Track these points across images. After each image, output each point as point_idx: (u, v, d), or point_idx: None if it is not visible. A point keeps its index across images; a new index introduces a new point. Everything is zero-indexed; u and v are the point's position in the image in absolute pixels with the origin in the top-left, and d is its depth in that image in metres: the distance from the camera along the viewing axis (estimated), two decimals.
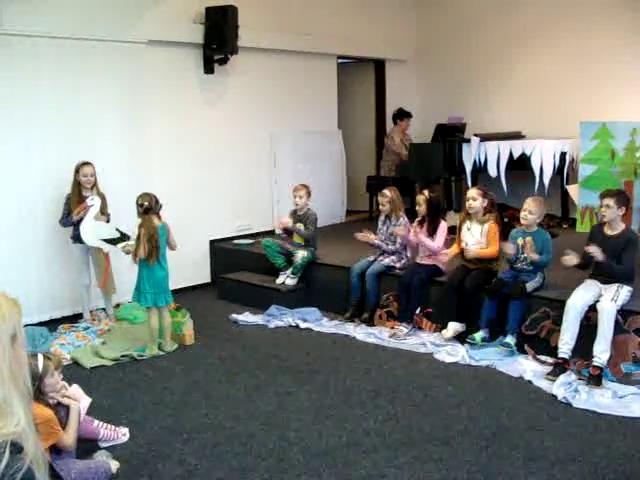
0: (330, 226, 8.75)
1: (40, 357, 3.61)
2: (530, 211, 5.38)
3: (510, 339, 5.27)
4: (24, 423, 1.71)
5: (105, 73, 6.60)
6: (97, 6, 6.47)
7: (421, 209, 6.05)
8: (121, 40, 6.67)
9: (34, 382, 3.49)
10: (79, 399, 3.84)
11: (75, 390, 3.98)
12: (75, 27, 6.30)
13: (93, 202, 5.94)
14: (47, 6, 6.12)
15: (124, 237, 5.93)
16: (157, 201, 5.55)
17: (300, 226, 6.81)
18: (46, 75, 6.20)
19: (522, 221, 5.45)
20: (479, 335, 5.40)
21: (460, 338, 5.60)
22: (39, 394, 3.52)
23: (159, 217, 5.58)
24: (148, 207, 5.46)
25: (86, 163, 6.09)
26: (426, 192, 6.10)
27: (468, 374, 5.05)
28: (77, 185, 6.09)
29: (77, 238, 6.10)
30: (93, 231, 5.97)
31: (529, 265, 5.37)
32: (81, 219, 5.96)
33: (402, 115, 9.31)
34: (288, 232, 6.94)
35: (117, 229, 6.00)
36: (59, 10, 6.20)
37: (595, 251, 4.89)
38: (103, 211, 6.12)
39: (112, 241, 5.96)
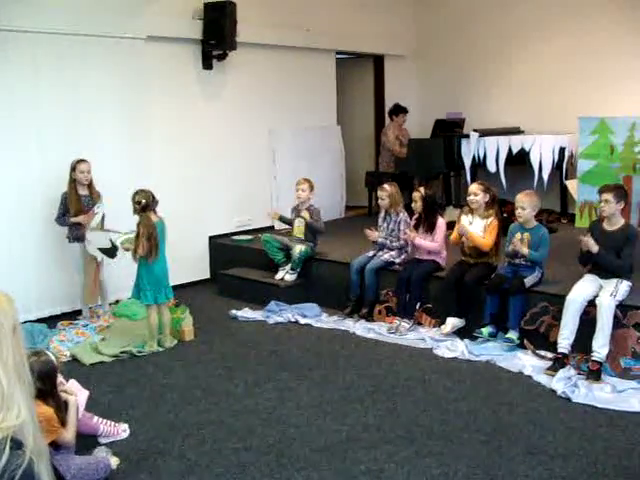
0: (329, 222, 8.73)
1: (50, 353, 3.62)
2: (522, 207, 5.37)
3: (512, 334, 5.27)
4: (25, 415, 1.72)
5: (103, 69, 6.59)
6: (95, 2, 6.45)
7: (417, 206, 6.05)
8: (119, 36, 6.66)
9: (51, 378, 3.51)
10: (76, 394, 3.84)
11: (72, 385, 3.98)
12: (73, 23, 6.29)
13: (99, 210, 6.03)
14: (45, 2, 6.11)
15: (114, 248, 5.95)
16: (153, 197, 5.53)
17: (306, 214, 6.79)
18: (43, 71, 6.18)
19: (518, 219, 5.44)
20: (486, 330, 5.40)
21: (460, 333, 5.61)
22: (53, 390, 3.53)
23: (155, 213, 5.57)
24: (146, 204, 5.44)
25: (82, 160, 6.09)
26: (422, 189, 6.11)
27: (468, 369, 5.05)
28: (73, 182, 6.10)
29: (74, 238, 6.13)
30: (94, 240, 6.03)
31: (527, 260, 5.37)
32: (79, 223, 6.05)
33: (398, 111, 9.27)
34: (289, 222, 6.97)
35: (110, 239, 6.00)
36: (57, 6, 6.18)
37: (589, 243, 4.90)
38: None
39: (105, 251, 5.99)
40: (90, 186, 6.16)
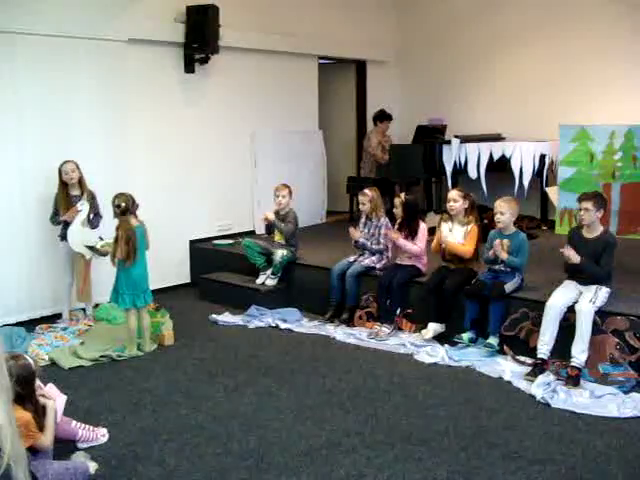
0: (311, 227, 8.74)
1: (29, 357, 3.58)
2: (501, 212, 5.40)
3: (493, 340, 5.29)
4: (2, 419, 1.70)
5: (84, 71, 6.55)
6: (77, 3, 6.41)
7: (398, 211, 6.07)
8: (101, 38, 6.61)
9: (29, 382, 3.47)
10: (55, 398, 3.80)
11: (50, 389, 3.94)
12: (54, 24, 6.24)
13: (82, 208, 6.01)
14: (24, 2, 6.04)
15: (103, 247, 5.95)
16: (134, 201, 5.50)
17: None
18: (24, 73, 6.13)
19: (497, 225, 5.47)
20: (467, 335, 5.42)
21: (440, 339, 5.62)
22: (31, 394, 3.49)
23: (136, 217, 5.54)
24: (125, 208, 5.42)
25: (66, 161, 6.09)
26: (402, 195, 6.13)
27: (448, 375, 5.06)
28: (62, 184, 6.10)
29: (65, 237, 6.11)
30: (79, 237, 6.01)
31: (507, 266, 5.39)
32: (67, 221, 6.03)
33: (383, 117, 9.28)
34: (269, 231, 6.94)
35: (100, 237, 5.99)
36: (37, 7, 6.12)
37: (570, 255, 4.93)
38: (97, 212, 6.15)
39: (94, 249, 5.96)
40: (82, 186, 6.14)
